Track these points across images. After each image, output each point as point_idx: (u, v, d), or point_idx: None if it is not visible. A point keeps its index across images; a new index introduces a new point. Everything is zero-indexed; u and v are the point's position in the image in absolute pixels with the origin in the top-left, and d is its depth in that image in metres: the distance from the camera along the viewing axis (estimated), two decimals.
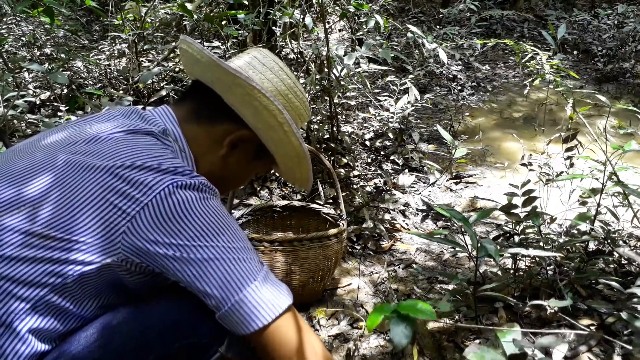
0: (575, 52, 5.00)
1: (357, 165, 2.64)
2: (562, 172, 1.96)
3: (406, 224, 2.27)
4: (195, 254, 0.78)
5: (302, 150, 1.01)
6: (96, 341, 0.79)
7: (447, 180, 2.73)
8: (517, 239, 1.66)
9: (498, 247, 1.25)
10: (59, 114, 2.37)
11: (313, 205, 1.87)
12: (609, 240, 1.63)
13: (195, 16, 2.99)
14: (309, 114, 1.10)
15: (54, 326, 0.78)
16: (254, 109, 0.94)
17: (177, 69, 3.09)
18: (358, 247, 2.06)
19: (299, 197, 2.35)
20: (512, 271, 1.66)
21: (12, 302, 0.74)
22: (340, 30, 4.90)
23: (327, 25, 2.44)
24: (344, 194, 2.24)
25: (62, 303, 0.78)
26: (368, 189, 2.48)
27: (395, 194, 2.36)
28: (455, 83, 4.36)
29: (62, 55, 2.92)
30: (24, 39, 3.18)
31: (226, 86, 0.94)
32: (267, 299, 0.81)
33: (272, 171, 2.04)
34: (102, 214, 0.77)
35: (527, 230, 1.63)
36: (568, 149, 1.83)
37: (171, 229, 0.78)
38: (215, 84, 0.96)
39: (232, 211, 1.71)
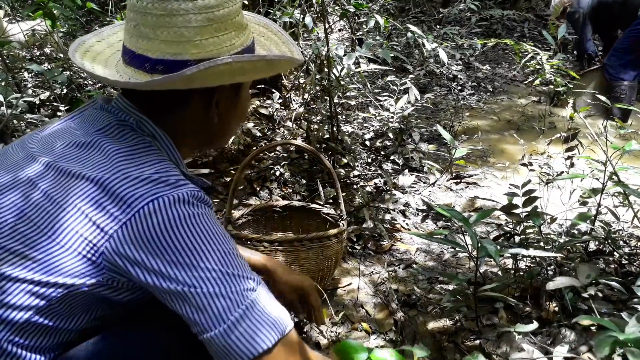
0: (575, 52, 4.99)
1: (357, 165, 2.64)
2: (562, 172, 1.96)
3: (406, 224, 2.27)
4: (171, 284, 0.73)
5: (261, 58, 0.85)
6: None
7: (448, 180, 2.73)
8: (517, 239, 1.66)
9: (498, 247, 1.25)
10: (59, 114, 2.37)
11: (313, 206, 1.87)
12: (609, 241, 1.63)
13: None
14: (262, 19, 0.94)
15: (45, 342, 0.76)
16: (187, 78, 0.78)
17: None
18: (358, 247, 2.06)
19: (299, 197, 2.35)
20: (512, 271, 1.66)
21: None
22: (340, 30, 4.89)
23: (327, 25, 2.44)
24: (344, 194, 2.24)
25: (51, 323, 0.75)
26: (368, 189, 2.48)
27: (395, 194, 2.35)
28: (455, 83, 4.36)
29: (61, 55, 2.92)
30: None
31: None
32: (238, 340, 0.73)
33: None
34: (82, 232, 0.73)
35: (528, 231, 1.63)
36: (568, 149, 1.83)
37: (150, 250, 0.73)
38: None
39: (232, 211, 1.71)
